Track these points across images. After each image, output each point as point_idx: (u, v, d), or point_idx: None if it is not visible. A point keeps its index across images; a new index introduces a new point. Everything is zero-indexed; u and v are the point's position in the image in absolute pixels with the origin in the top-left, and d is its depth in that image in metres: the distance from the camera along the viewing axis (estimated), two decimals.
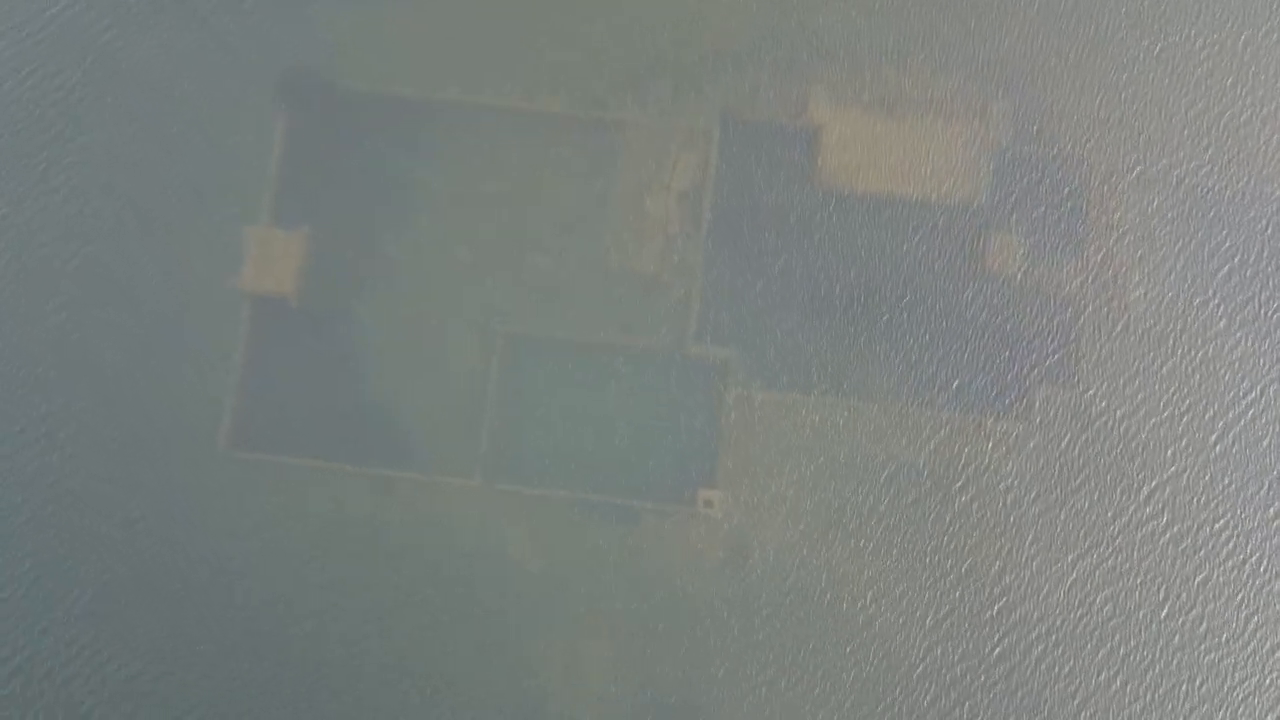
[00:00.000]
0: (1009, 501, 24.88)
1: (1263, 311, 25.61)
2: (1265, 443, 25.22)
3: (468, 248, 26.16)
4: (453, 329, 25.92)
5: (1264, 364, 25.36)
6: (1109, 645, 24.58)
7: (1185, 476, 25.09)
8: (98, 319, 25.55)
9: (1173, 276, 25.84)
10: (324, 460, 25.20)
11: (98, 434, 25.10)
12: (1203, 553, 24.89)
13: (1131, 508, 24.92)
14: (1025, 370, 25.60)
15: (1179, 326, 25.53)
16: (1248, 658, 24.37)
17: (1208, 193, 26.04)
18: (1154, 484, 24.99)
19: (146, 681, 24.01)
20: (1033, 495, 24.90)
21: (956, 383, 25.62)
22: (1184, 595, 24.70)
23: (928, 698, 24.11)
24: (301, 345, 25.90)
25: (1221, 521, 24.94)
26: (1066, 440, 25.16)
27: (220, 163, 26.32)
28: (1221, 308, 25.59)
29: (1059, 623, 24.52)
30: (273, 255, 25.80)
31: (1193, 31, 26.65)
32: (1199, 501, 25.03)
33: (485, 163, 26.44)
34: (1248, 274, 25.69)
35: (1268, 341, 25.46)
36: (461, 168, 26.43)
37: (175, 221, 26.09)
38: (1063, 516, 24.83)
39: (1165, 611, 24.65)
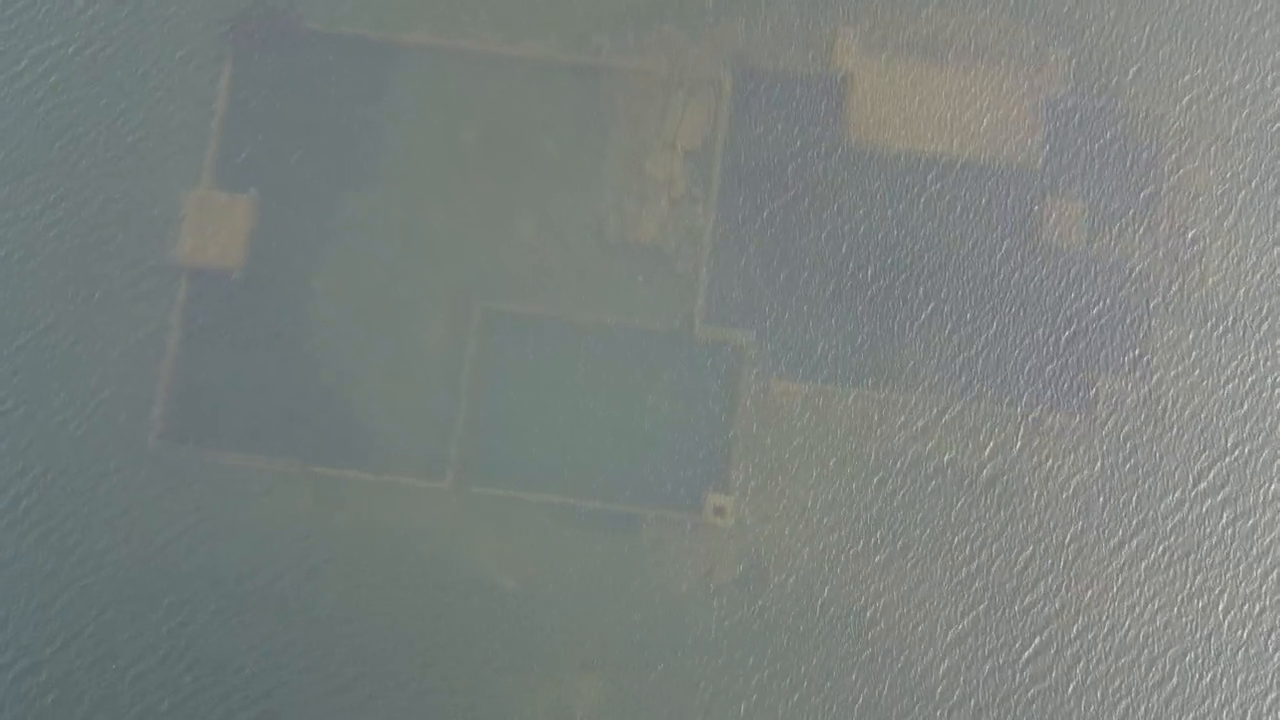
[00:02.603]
0: (1058, 501, 24.15)
1: None
2: None
3: (441, 212, 25.19)
4: (422, 305, 24.92)
5: None
6: (1162, 658, 23.66)
7: (1252, 461, 24.26)
8: (7, 295, 24.81)
9: (1252, 244, 25.15)
10: (270, 458, 24.31)
11: (6, 425, 24.34)
12: (1275, 553, 24.05)
13: (1189, 499, 24.18)
14: (1088, 357, 24.69)
15: (1246, 295, 24.92)
16: None
17: None
18: (1214, 471, 24.26)
19: (55, 697, 23.35)
20: (1078, 491, 24.23)
21: (1008, 372, 24.67)
22: (1249, 600, 23.85)
23: None
24: (246, 325, 24.88)
25: None
26: (1134, 436, 24.39)
27: (155, 115, 25.42)
28: None
29: (1103, 633, 23.76)
30: (214, 222, 24.95)
31: None
32: (1270, 490, 24.29)
33: (461, 116, 25.48)
34: None
35: None
36: (434, 121, 25.48)
37: (100, 183, 25.22)
38: (1105, 513, 24.08)
39: (1228, 620, 23.81)
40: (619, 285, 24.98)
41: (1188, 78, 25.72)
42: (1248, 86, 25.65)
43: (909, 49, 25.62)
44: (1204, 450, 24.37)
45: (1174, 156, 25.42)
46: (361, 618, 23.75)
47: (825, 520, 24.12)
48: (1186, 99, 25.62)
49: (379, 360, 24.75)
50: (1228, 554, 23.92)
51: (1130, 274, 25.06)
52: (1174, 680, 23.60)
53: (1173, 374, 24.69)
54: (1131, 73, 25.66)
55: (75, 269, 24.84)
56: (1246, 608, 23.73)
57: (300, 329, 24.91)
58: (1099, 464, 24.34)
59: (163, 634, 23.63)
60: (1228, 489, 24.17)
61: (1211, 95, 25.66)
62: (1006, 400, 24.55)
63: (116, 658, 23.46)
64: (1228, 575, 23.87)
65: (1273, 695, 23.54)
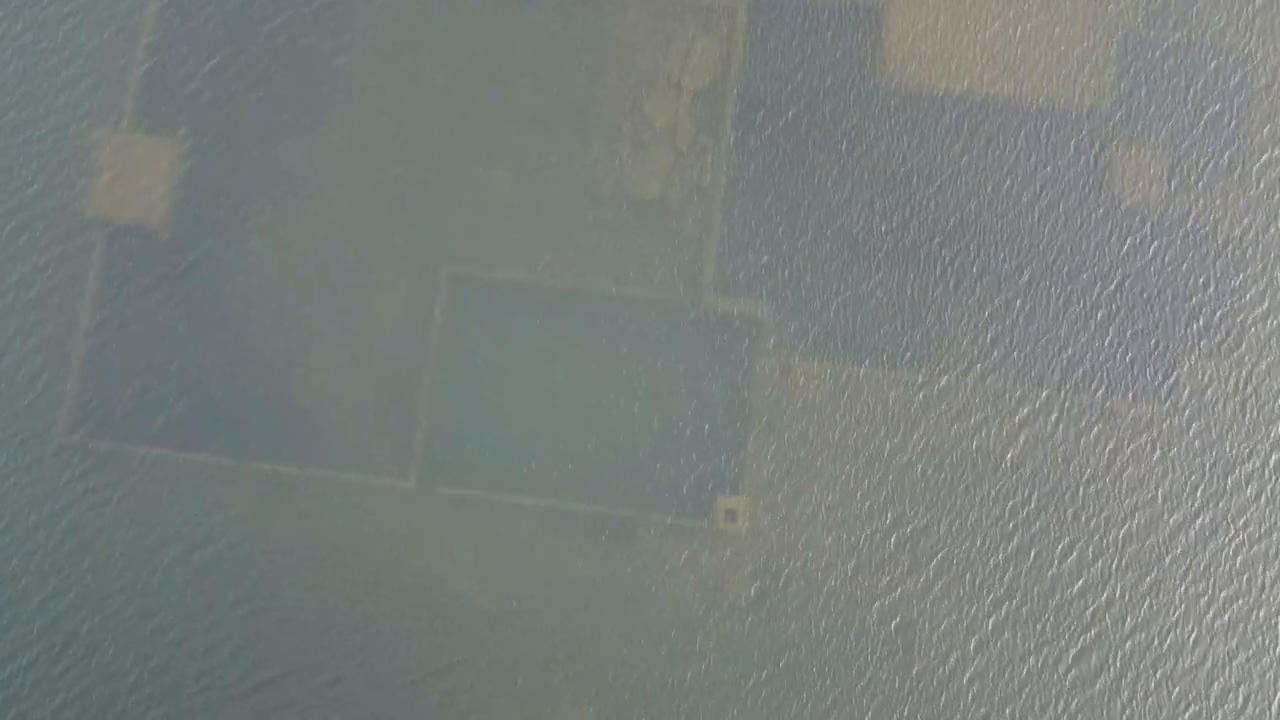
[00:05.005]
0: (1113, 491, 23.43)
1: None
2: None
3: (403, 162, 23.99)
4: (380, 271, 23.60)
5: None
6: (1229, 666, 22.61)
7: None
8: None
9: None
10: (201, 452, 23.15)
11: None
12: None
13: (1269, 482, 23.34)
14: (1167, 334, 23.94)
15: None
16: None
17: None
18: None
19: None
20: (1136, 478, 23.45)
21: (1072, 351, 23.76)
22: None
23: None
24: (173, 293, 23.52)
25: None
26: (1209, 419, 23.61)
27: (66, 39, 24.32)
28: None
29: (1160, 637, 22.89)
30: (136, 170, 23.86)
31: None
32: None
33: (429, 46, 24.30)
34: None
35: None
36: (397, 53, 24.26)
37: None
38: (1163, 497, 23.26)
39: None
40: (613, 248, 23.69)
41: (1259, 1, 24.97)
42: None
43: None
44: None
45: (1267, 101, 24.62)
46: (306, 636, 22.74)
47: (855, 524, 23.09)
48: (1259, 23, 24.77)
49: (329, 336, 23.44)
50: None
51: (1215, 234, 24.21)
52: (1244, 694, 22.57)
53: (1261, 348, 23.87)
54: (1217, 2, 24.87)
55: None
56: None
57: (236, 298, 23.64)
58: (1160, 449, 23.48)
59: (82, 674, 22.78)
60: None
61: None
62: (1071, 384, 23.62)
63: (37, 703, 22.75)
64: None
65: None
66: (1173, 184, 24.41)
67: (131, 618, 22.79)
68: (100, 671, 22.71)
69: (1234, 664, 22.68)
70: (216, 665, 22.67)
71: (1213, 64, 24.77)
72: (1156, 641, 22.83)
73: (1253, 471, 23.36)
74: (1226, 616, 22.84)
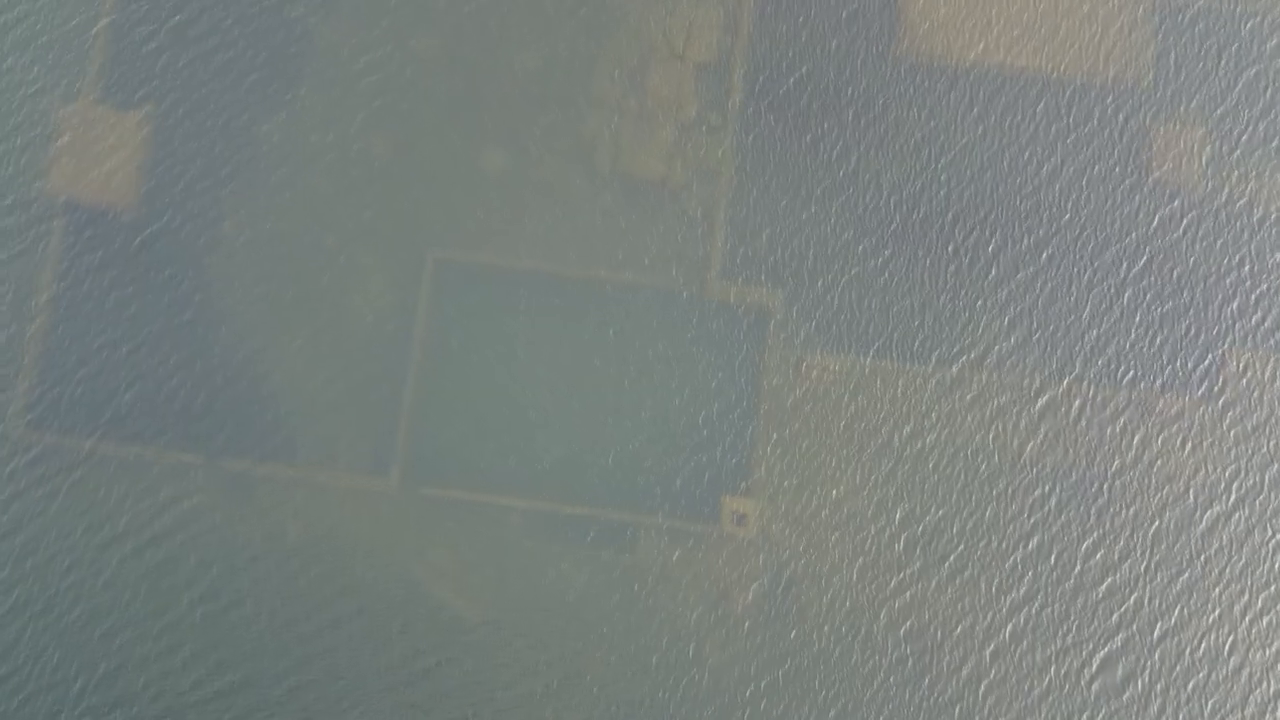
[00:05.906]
0: (1161, 495, 23.18)
1: None
2: None
3: (386, 139, 24.13)
4: (361, 256, 23.85)
5: None
6: (1268, 673, 22.52)
7: None
8: None
9: None
10: (167, 449, 23.15)
11: None
12: None
13: None
14: (1201, 318, 23.57)
15: None
16: None
17: None
18: None
19: None
20: (1187, 484, 23.22)
21: (1096, 336, 23.51)
22: None
23: None
24: (134, 276, 23.75)
25: None
26: (1257, 418, 23.08)
27: (26, 8, 24.49)
28: None
29: (1192, 640, 22.57)
30: (98, 146, 23.98)
31: None
32: None
33: (415, 17, 24.64)
34: None
35: None
36: (377, 19, 24.57)
37: None
38: (1192, 494, 22.77)
39: None
40: (611, 232, 24.03)
41: None
42: None
43: None
44: None
45: None
46: (268, 642, 22.63)
47: (863, 522, 23.10)
48: None
49: (304, 323, 23.81)
50: None
51: (1253, 209, 24.05)
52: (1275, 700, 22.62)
53: None
54: None
55: None
56: None
57: (203, 282, 24.01)
58: (1192, 442, 23.16)
59: (35, 688, 22.66)
60: None
61: None
62: (1095, 372, 23.49)
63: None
64: None
65: None
66: (1206, 155, 23.90)
67: (78, 621, 22.76)
68: (43, 680, 22.46)
69: (1274, 673, 22.26)
70: (170, 673, 22.32)
71: (1248, 25, 24.17)
72: (1189, 649, 22.35)
73: None
74: (1265, 621, 22.34)
